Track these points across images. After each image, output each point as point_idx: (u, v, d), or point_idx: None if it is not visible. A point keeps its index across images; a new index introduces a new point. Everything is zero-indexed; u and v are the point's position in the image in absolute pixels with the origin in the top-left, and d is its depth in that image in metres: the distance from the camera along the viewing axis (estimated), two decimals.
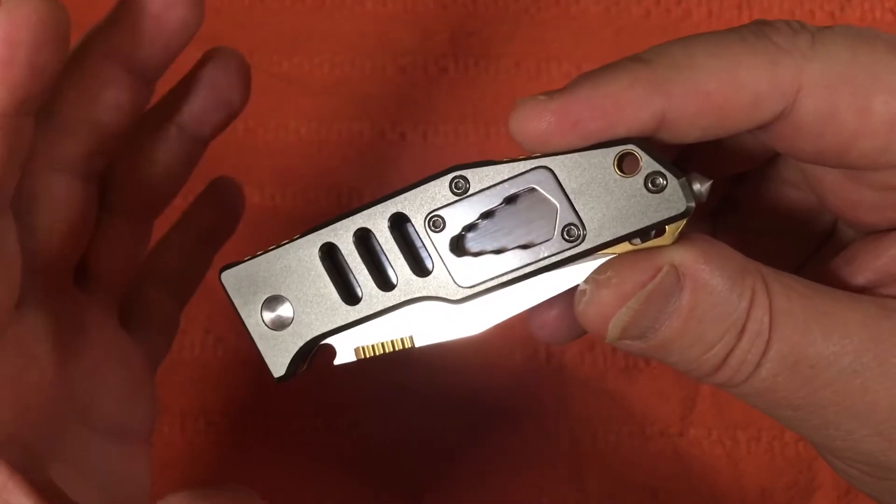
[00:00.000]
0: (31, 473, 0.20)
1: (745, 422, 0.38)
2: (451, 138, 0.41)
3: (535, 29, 0.42)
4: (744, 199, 0.26)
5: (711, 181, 0.19)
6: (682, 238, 0.20)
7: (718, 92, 0.19)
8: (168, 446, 0.38)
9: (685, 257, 0.19)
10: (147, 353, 0.27)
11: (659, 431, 0.38)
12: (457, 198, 0.20)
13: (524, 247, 0.20)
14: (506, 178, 0.20)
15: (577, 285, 0.20)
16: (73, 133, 0.23)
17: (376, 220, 0.21)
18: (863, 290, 0.21)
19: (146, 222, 0.28)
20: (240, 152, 0.41)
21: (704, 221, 0.27)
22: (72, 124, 0.22)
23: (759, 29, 0.19)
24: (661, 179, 0.19)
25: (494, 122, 0.41)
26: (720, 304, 0.19)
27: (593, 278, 0.20)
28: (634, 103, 0.19)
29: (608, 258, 0.20)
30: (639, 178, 0.19)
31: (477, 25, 0.42)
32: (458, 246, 0.20)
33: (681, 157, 0.24)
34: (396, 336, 0.21)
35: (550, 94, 0.19)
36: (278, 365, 0.21)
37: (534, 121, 0.19)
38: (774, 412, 0.20)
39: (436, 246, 0.20)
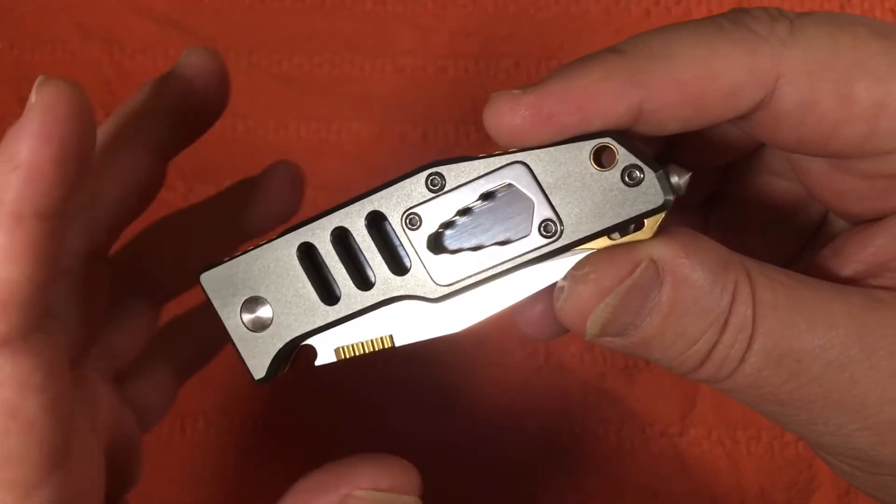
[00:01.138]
0: None
1: (745, 422, 0.38)
2: (451, 138, 0.41)
3: (535, 29, 0.42)
4: (733, 190, 0.25)
5: (690, 174, 0.19)
6: (662, 232, 0.19)
7: (695, 82, 0.18)
8: (168, 446, 0.38)
9: (665, 251, 0.19)
10: (141, 422, 0.26)
11: (659, 431, 0.38)
12: (433, 195, 0.20)
13: (502, 243, 0.20)
14: (481, 174, 0.20)
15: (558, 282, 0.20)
16: (98, 223, 0.22)
17: (353, 218, 0.20)
18: (851, 282, 0.21)
19: (161, 305, 0.28)
20: (240, 152, 0.41)
21: (694, 214, 0.26)
22: (94, 211, 0.22)
23: (737, 17, 0.19)
24: (638, 173, 0.19)
25: None
26: (702, 299, 0.19)
27: (571, 274, 0.19)
28: (610, 95, 0.18)
29: (587, 253, 0.19)
30: (615, 172, 0.19)
31: (477, 25, 0.42)
32: (435, 244, 0.20)
33: (665, 149, 0.23)
34: (376, 335, 0.21)
35: (525, 88, 0.19)
36: (259, 367, 0.21)
37: (507, 115, 0.19)
38: (761, 408, 0.20)
39: (413, 244, 0.20)
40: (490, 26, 0.42)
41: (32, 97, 0.19)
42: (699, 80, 0.18)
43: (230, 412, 0.38)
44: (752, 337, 0.19)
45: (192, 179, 0.40)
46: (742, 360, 0.19)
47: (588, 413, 0.38)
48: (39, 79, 0.19)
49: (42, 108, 0.18)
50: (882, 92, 0.18)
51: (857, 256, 0.21)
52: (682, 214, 0.26)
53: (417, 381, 0.39)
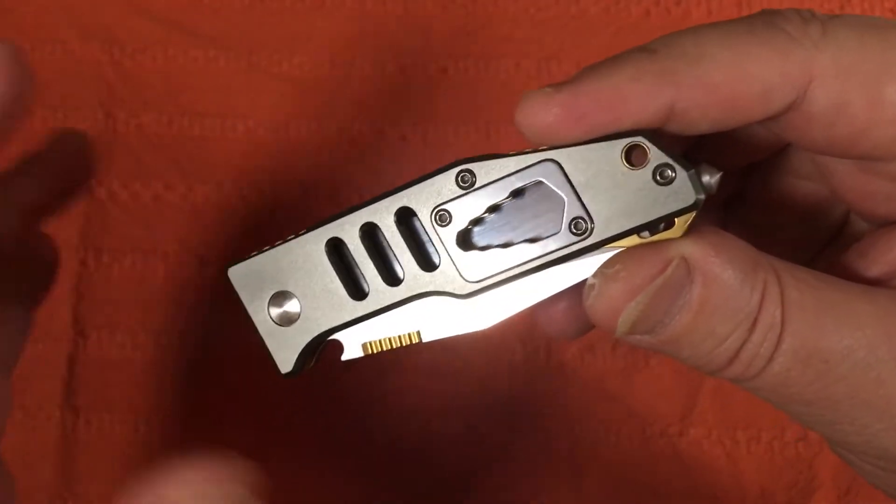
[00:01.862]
0: None
1: (745, 422, 0.38)
2: (451, 138, 0.41)
3: (535, 29, 0.42)
4: (755, 191, 0.25)
5: (721, 173, 0.19)
6: (692, 231, 0.19)
7: (728, 84, 0.19)
8: (168, 446, 0.38)
9: (695, 250, 0.19)
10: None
11: (659, 431, 0.38)
12: (463, 192, 0.20)
13: (531, 240, 0.20)
14: (512, 171, 0.20)
15: (586, 279, 0.20)
16: None
17: (382, 214, 0.21)
18: (876, 283, 0.21)
19: None
20: (240, 152, 0.41)
21: (715, 214, 0.26)
22: None
23: (769, 19, 0.19)
24: (669, 171, 0.19)
25: (494, 122, 0.41)
26: (732, 298, 0.19)
27: (602, 272, 0.19)
28: (641, 96, 0.19)
29: (617, 251, 0.19)
30: (647, 171, 0.19)
31: (477, 25, 0.42)
32: (464, 240, 0.20)
33: (691, 148, 0.23)
34: (404, 331, 0.21)
35: (557, 86, 0.19)
36: (286, 361, 0.21)
37: (540, 113, 0.19)
38: (787, 407, 0.20)
39: (442, 240, 0.20)
40: (489, 26, 0.42)
41: None
42: (731, 82, 0.19)
43: (230, 412, 0.38)
44: (780, 336, 0.19)
45: (192, 179, 0.40)
46: (770, 359, 0.19)
47: (588, 413, 0.38)
48: None
49: None
50: None
51: (883, 258, 0.21)
52: (701, 215, 0.26)
53: (417, 382, 0.39)
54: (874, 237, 0.22)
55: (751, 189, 0.25)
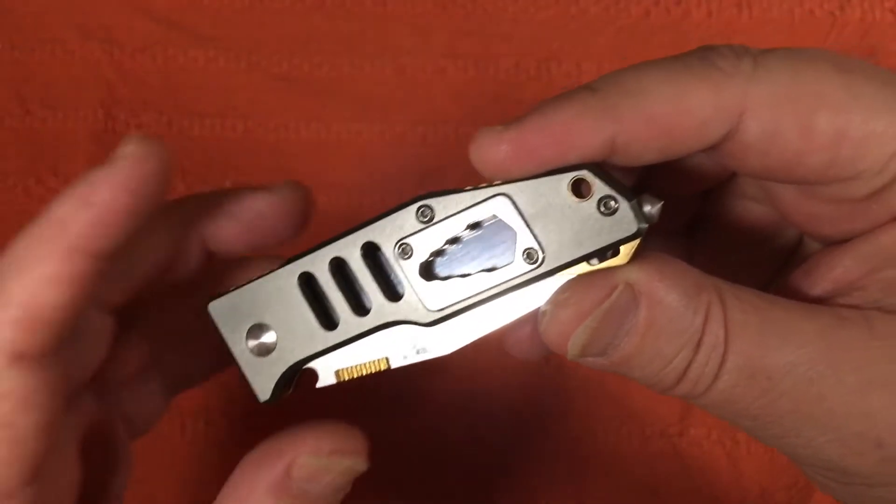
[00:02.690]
0: None
1: None
2: (450, 138, 0.41)
3: (535, 29, 0.42)
4: (713, 215, 0.26)
5: (662, 202, 0.20)
6: (638, 257, 0.20)
7: (666, 117, 0.20)
8: (168, 446, 0.38)
9: (640, 275, 0.20)
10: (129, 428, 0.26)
11: (659, 431, 0.38)
12: (423, 226, 0.21)
13: (488, 270, 0.21)
14: (468, 205, 0.21)
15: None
16: (128, 279, 0.23)
17: (350, 249, 0.22)
18: (821, 301, 0.22)
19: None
20: (240, 152, 0.41)
21: (679, 238, 0.27)
22: (129, 271, 0.23)
23: (704, 55, 0.20)
24: (613, 202, 0.20)
25: (494, 122, 0.41)
26: (676, 320, 0.20)
27: (553, 299, 0.21)
28: (585, 130, 0.20)
29: (569, 278, 0.21)
30: (592, 202, 0.20)
31: (477, 25, 0.42)
32: (427, 271, 0.21)
33: (643, 177, 0.24)
34: (373, 358, 0.22)
35: (507, 124, 0.20)
36: (264, 390, 0.23)
37: (491, 150, 0.20)
38: (735, 422, 0.21)
39: (405, 272, 0.21)
40: (490, 26, 0.42)
41: (125, 149, 0.20)
42: (669, 116, 0.20)
43: (230, 412, 0.38)
44: (724, 355, 0.20)
45: (192, 179, 0.40)
46: (716, 377, 0.20)
47: (588, 413, 0.38)
48: (134, 137, 0.20)
49: (133, 162, 0.20)
50: (842, 122, 0.20)
51: (826, 276, 0.22)
52: (667, 238, 0.27)
53: (417, 384, 0.39)
54: (818, 257, 0.23)
55: (709, 213, 0.26)
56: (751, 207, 0.25)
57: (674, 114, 0.20)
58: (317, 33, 0.42)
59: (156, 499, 0.38)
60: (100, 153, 0.41)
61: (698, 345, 0.20)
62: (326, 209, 0.40)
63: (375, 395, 0.39)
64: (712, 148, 0.21)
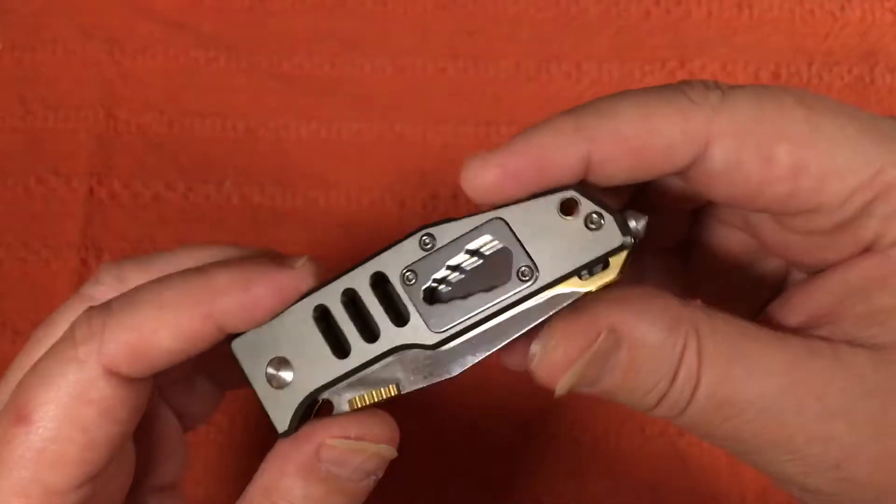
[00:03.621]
0: None
1: None
2: (451, 138, 0.41)
3: (535, 29, 0.42)
4: (700, 239, 0.27)
5: (647, 217, 0.21)
6: (620, 294, 0.21)
7: (636, 137, 0.21)
8: None
9: (622, 318, 0.21)
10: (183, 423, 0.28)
11: (659, 431, 0.38)
12: (425, 253, 0.22)
13: (487, 290, 0.22)
14: (466, 231, 0.22)
15: (541, 323, 0.22)
16: None
17: (359, 280, 0.23)
18: (796, 331, 0.22)
19: None
20: (240, 152, 0.41)
21: (673, 257, 0.28)
22: None
23: (678, 86, 0.22)
24: (598, 218, 0.21)
25: (495, 122, 0.41)
26: (656, 356, 0.21)
27: (542, 344, 0.22)
28: (561, 150, 0.21)
29: (556, 314, 0.22)
30: (580, 219, 0.21)
31: (477, 25, 0.42)
32: (431, 296, 0.22)
33: (632, 200, 0.25)
34: (384, 385, 0.23)
35: (493, 150, 0.21)
36: (282, 421, 0.23)
37: (480, 176, 0.21)
38: (709, 440, 0.22)
39: (410, 298, 0.22)
40: (490, 26, 0.42)
41: (298, 261, 0.23)
42: (639, 136, 0.21)
43: (230, 412, 0.38)
44: (696, 386, 0.21)
45: (192, 179, 0.41)
46: (688, 403, 0.21)
47: (588, 413, 0.38)
48: (307, 259, 0.23)
49: (298, 275, 0.23)
50: (801, 155, 0.21)
51: (800, 308, 0.23)
52: (662, 257, 0.28)
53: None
54: (796, 287, 0.24)
55: (696, 237, 0.27)
56: (735, 234, 0.26)
57: (643, 134, 0.21)
58: (317, 33, 0.42)
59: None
60: (101, 153, 0.41)
61: (675, 376, 0.21)
62: (327, 209, 0.40)
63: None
64: (681, 173, 0.22)
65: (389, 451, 0.23)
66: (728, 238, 0.26)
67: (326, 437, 0.22)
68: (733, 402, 0.21)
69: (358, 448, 0.23)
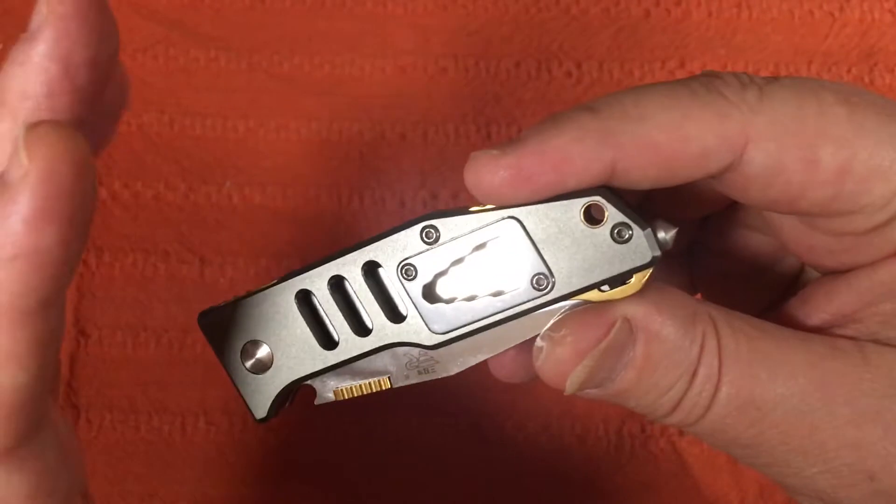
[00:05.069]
0: None
1: None
2: (451, 138, 0.41)
3: (535, 29, 0.42)
4: (713, 241, 0.26)
5: (677, 229, 0.20)
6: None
7: (667, 144, 0.19)
8: (168, 446, 0.38)
9: (637, 310, 0.20)
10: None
11: (659, 431, 0.38)
12: (428, 247, 0.20)
13: (495, 294, 0.20)
14: (475, 228, 0.20)
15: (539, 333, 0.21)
16: None
17: (350, 267, 0.21)
18: (816, 330, 0.21)
19: None
20: (240, 152, 0.41)
21: (679, 261, 0.27)
22: None
23: (709, 81, 0.20)
24: (627, 230, 0.19)
25: (495, 122, 0.41)
26: (673, 352, 0.19)
27: (549, 336, 0.20)
28: (584, 155, 0.19)
29: (564, 313, 0.20)
30: (605, 229, 0.19)
31: (477, 25, 0.42)
32: (430, 293, 0.21)
33: (645, 199, 0.24)
34: (374, 378, 0.22)
35: (502, 147, 0.19)
36: (260, 407, 0.22)
37: (488, 176, 0.19)
38: (727, 450, 0.21)
39: (409, 293, 0.21)
40: (490, 26, 0.42)
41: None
42: (670, 143, 0.19)
43: (230, 412, 0.38)
44: (717, 386, 0.19)
45: (192, 179, 0.41)
46: (708, 407, 0.20)
47: (588, 413, 0.38)
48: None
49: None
50: (846, 156, 0.19)
51: (823, 307, 0.21)
52: (668, 260, 0.27)
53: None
54: (815, 287, 0.22)
55: (709, 239, 0.26)
56: (752, 235, 0.25)
57: (675, 141, 0.19)
58: (317, 33, 0.42)
59: (156, 497, 0.38)
60: (101, 153, 0.41)
61: (693, 375, 0.19)
62: (327, 208, 0.40)
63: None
64: (713, 177, 0.20)
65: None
66: (742, 239, 0.25)
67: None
68: (759, 404, 0.19)
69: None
